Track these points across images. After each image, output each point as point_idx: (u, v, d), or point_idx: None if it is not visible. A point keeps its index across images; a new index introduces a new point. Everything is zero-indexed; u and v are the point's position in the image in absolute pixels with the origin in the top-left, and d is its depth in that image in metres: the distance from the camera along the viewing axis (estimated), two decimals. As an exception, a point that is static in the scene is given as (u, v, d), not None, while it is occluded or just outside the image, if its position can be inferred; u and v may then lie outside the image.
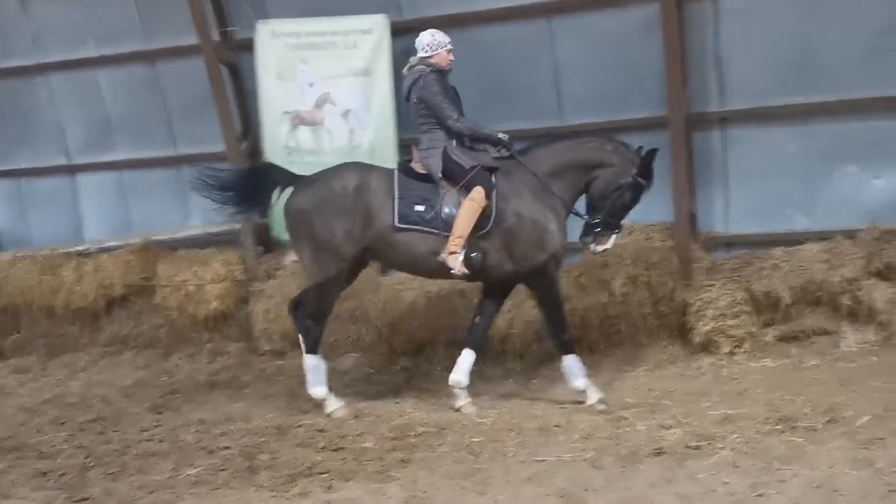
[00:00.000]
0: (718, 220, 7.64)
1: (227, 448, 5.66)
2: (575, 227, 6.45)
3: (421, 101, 6.23)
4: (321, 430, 5.91)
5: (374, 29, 8.04)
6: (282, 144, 8.43)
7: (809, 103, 7.16)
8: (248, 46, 8.53)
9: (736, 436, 5.07)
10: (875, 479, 4.32)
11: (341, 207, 6.18)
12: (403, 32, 8.08)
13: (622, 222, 6.31)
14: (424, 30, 7.98)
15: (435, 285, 7.65)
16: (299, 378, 7.15)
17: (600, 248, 6.28)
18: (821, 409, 5.39)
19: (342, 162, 6.71)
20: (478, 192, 6.03)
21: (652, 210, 7.13)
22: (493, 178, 6.17)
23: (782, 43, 7.19)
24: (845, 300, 6.84)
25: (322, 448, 5.55)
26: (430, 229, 6.14)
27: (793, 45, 7.15)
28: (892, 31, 6.88)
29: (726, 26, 7.32)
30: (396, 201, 6.18)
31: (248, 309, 8.47)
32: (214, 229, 8.83)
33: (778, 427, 5.17)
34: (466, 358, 6.35)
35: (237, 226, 8.59)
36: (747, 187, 7.51)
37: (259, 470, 5.18)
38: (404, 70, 6.45)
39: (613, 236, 6.29)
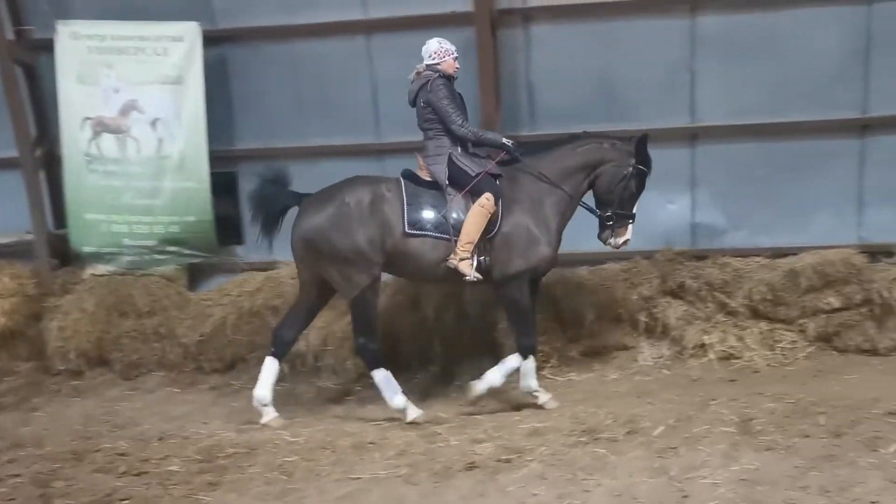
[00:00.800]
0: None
1: (16, 476, 5.26)
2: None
3: (428, 105, 6.29)
4: (122, 455, 5.59)
5: (185, 36, 7.77)
6: (82, 151, 7.98)
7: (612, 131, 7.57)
8: (46, 47, 8.02)
9: (544, 448, 5.24)
10: (669, 486, 4.61)
11: (359, 220, 6.18)
12: (217, 42, 7.89)
13: (634, 211, 6.48)
14: (239, 39, 7.84)
15: (247, 301, 7.48)
16: (98, 398, 6.78)
17: (620, 239, 6.47)
18: (621, 421, 5.64)
19: (346, 178, 6.50)
20: (487, 199, 6.15)
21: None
22: (498, 183, 6.31)
23: (585, 73, 7.58)
24: (643, 317, 7.26)
25: (123, 473, 5.27)
26: (439, 234, 6.22)
27: (594, 75, 7.56)
28: (679, 66, 7.42)
29: (536, 53, 7.62)
30: (405, 208, 6.23)
31: (40, 325, 7.92)
32: (3, 240, 8.23)
33: (582, 439, 5.37)
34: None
35: (29, 236, 8.06)
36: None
37: (53, 499, 4.87)
38: (410, 76, 6.46)
39: (630, 227, 6.47)
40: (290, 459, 5.37)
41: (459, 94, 6.46)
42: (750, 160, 7.55)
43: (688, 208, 7.71)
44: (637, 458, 5.00)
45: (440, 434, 5.73)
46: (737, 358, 6.96)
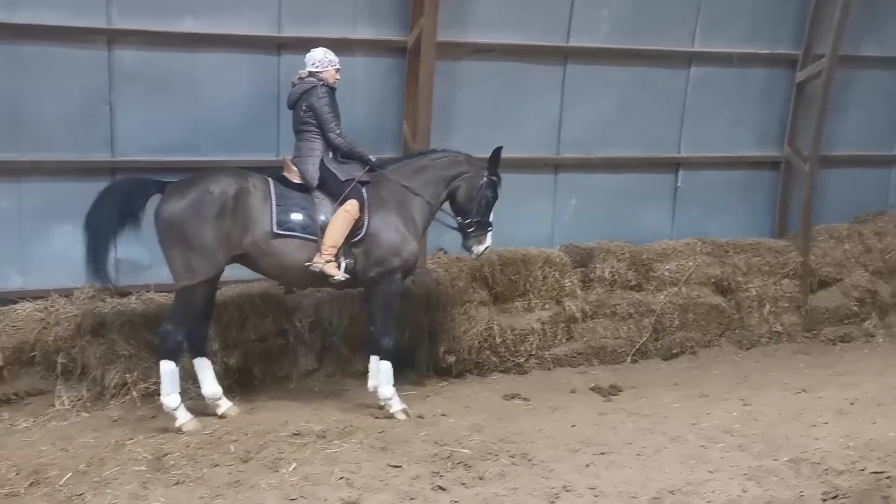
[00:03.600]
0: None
1: None
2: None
3: (310, 110, 6.61)
4: None
5: None
6: None
7: (21, 161, 7.14)
8: None
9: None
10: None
11: (220, 211, 6.18)
12: None
13: (490, 219, 7.05)
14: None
15: None
16: None
17: (482, 247, 7.06)
18: (26, 472, 5.29)
19: (212, 168, 6.59)
20: (352, 205, 6.44)
21: None
22: (364, 191, 6.57)
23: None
24: (60, 358, 6.89)
25: None
26: (307, 236, 6.40)
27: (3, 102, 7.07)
28: (99, 98, 7.28)
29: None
30: (274, 208, 6.33)
31: None
32: None
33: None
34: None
35: None
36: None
37: None
38: (293, 80, 6.82)
39: (489, 234, 7.05)
40: None
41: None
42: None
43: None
44: (39, 510, 4.72)
45: None
46: (160, 394, 6.93)
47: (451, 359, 7.94)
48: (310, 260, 6.44)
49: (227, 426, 6.17)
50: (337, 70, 6.85)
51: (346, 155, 6.78)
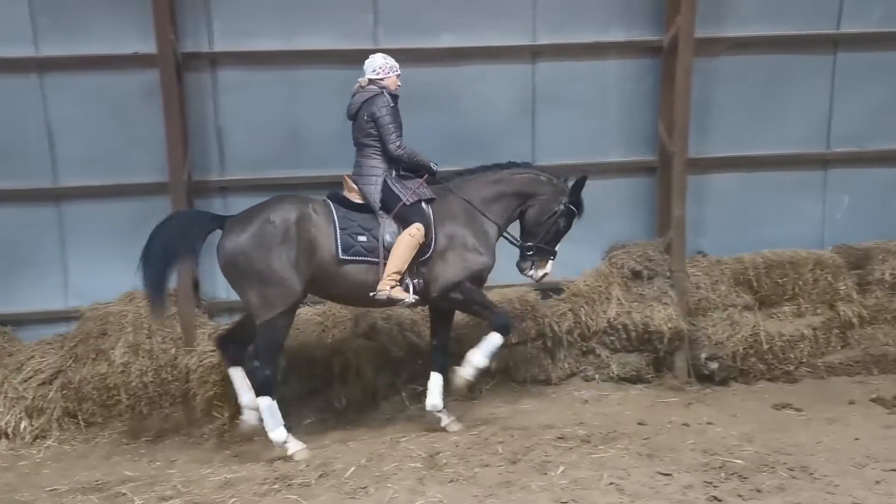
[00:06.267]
0: (222, 287, 7.55)
1: None
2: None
3: (371, 120, 6.26)
4: None
5: None
6: None
7: (300, 177, 7.66)
8: None
9: (234, 500, 5.17)
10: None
11: (284, 240, 5.99)
12: None
13: (556, 248, 6.64)
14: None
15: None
16: None
17: (540, 272, 6.65)
18: (314, 465, 5.71)
19: (272, 197, 6.33)
20: (417, 229, 6.12)
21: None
22: (430, 208, 6.31)
23: (274, 119, 7.64)
24: (336, 360, 7.33)
25: None
26: (373, 259, 6.14)
27: (282, 122, 7.66)
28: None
29: (225, 98, 7.57)
30: (338, 232, 6.11)
31: None
32: None
33: (275, 486, 5.36)
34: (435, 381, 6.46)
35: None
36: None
37: None
38: (354, 88, 6.45)
39: (550, 262, 6.64)
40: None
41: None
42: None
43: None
44: (328, 500, 5.08)
45: (125, 494, 5.45)
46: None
47: (714, 365, 7.68)
48: (376, 283, 6.16)
49: (492, 427, 6.34)
50: (398, 76, 6.50)
51: (407, 167, 6.45)
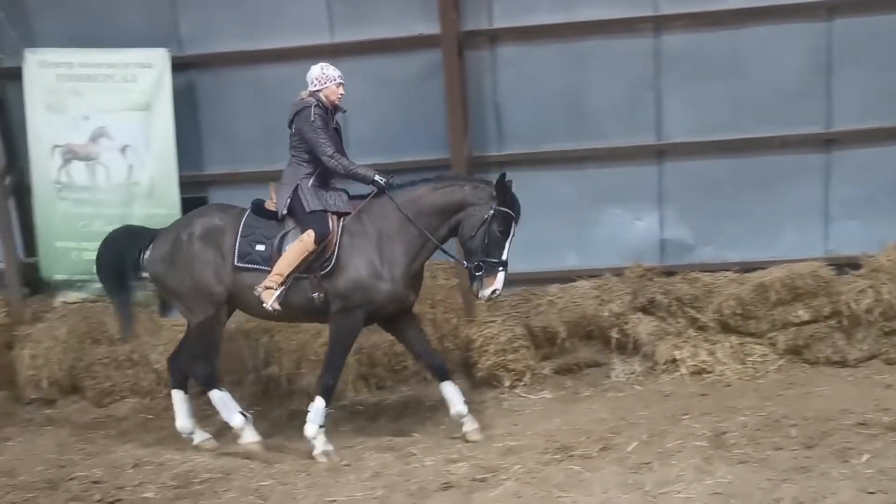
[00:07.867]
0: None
1: (-11, 507, 5.22)
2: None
3: (297, 133, 6.08)
4: (97, 482, 5.58)
5: (154, 63, 7.78)
6: (52, 180, 7.96)
7: (579, 149, 7.66)
8: (14, 75, 7.98)
9: (518, 466, 5.28)
10: (644, 501, 4.67)
11: (191, 255, 6.11)
12: (184, 68, 7.90)
13: (503, 258, 5.95)
14: (206, 65, 7.81)
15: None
16: (71, 427, 6.72)
17: (488, 290, 5.91)
18: (595, 438, 5.71)
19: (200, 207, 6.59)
20: (308, 236, 5.88)
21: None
22: (340, 222, 6.03)
23: (552, 92, 7.67)
24: (614, 334, 7.31)
25: (98, 501, 5.27)
26: (266, 268, 5.99)
27: (561, 95, 7.66)
28: (645, 85, 7.54)
29: (503, 74, 7.70)
30: (238, 240, 6.08)
31: (12, 354, 7.83)
32: (-28, 270, 8.17)
33: (557, 456, 5.43)
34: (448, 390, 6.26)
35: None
36: (522, 227, 7.84)
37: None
38: (294, 101, 6.23)
39: (500, 275, 5.92)
40: (265, 483, 5.37)
41: (337, 123, 6.30)
42: (717, 176, 7.65)
43: (656, 225, 7.80)
44: (611, 473, 5.05)
45: (415, 455, 5.75)
46: (708, 372, 6.98)
47: None
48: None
49: (783, 409, 6.00)
50: (339, 85, 6.14)
51: (347, 177, 6.09)
